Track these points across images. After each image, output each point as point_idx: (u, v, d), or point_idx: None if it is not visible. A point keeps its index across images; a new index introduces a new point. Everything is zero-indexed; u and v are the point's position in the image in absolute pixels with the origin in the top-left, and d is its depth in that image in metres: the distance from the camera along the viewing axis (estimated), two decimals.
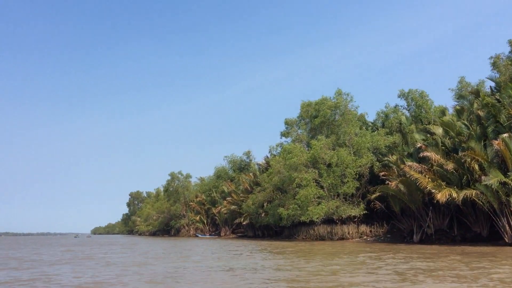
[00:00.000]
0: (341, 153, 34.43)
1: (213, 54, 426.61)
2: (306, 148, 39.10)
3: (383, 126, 40.13)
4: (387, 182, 29.25)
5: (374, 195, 28.75)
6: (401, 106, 41.11)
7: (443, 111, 38.32)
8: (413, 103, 39.19)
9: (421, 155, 25.35)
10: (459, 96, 33.81)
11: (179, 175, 78.37)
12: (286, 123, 41.23)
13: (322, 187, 35.06)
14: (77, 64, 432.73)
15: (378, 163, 34.25)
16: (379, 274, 11.99)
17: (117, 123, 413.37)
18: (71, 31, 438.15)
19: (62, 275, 13.71)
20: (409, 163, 25.96)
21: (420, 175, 24.66)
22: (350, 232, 35.43)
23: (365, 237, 35.04)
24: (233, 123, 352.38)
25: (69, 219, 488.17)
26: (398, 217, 29.83)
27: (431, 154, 24.76)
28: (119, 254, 24.86)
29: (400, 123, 38.86)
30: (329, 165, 35.51)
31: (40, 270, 15.48)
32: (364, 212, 34.42)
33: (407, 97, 39.61)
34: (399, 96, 39.89)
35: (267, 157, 55.26)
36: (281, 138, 42.84)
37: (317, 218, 33.79)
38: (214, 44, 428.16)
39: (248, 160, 74.02)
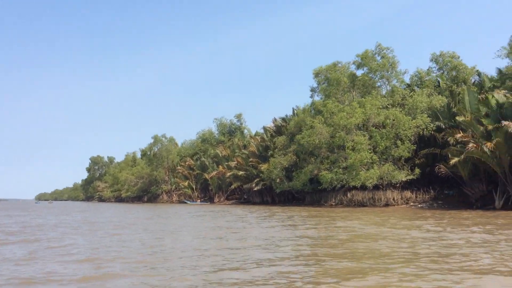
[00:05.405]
0: (395, 112, 31.80)
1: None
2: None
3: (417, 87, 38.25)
4: (458, 144, 27.12)
5: (453, 160, 26.25)
6: (434, 68, 39.56)
7: (478, 73, 37.36)
8: (447, 65, 37.64)
9: None
10: None
11: (163, 138, 72.81)
12: (316, 79, 37.65)
13: (372, 150, 32.49)
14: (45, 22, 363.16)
15: (431, 124, 32.13)
16: None
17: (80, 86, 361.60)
18: None
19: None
20: (505, 122, 23.72)
21: None
22: (395, 198, 33.42)
23: (411, 203, 33.16)
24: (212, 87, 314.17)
25: (9, 185, 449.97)
26: (467, 183, 28.01)
27: None
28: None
29: (439, 85, 37.30)
30: (378, 127, 32.90)
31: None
32: (411, 177, 32.50)
33: (438, 60, 38.19)
34: (431, 60, 38.55)
35: (276, 119, 51.81)
36: (311, 95, 39.79)
37: (370, 183, 31.33)
38: None
39: (239, 123, 70.20)
